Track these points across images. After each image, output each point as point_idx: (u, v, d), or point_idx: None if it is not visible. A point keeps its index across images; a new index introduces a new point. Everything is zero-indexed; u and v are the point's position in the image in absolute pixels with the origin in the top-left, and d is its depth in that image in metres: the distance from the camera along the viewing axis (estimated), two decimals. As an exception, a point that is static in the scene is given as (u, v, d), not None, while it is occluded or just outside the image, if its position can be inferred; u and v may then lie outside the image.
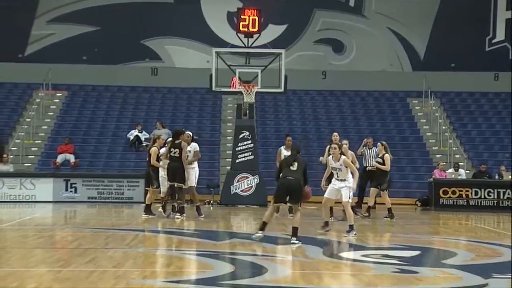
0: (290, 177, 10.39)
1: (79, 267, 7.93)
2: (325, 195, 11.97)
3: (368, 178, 17.24)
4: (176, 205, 14.29)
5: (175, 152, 14.10)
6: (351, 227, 11.55)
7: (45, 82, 25.82)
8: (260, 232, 10.54)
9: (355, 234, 11.41)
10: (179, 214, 14.09)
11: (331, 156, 11.88)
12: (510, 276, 7.67)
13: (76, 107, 26.38)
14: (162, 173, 14.66)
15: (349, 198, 11.77)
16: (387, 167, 15.36)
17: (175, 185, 14.15)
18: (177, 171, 14.07)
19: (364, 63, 27.85)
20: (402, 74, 28.00)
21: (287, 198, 10.46)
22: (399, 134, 25.04)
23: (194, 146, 14.97)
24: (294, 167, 10.46)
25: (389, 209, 15.31)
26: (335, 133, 16.12)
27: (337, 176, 11.81)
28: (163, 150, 14.72)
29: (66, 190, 19.99)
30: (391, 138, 23.21)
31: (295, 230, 10.38)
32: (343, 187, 11.73)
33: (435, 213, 18.42)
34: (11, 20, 27.59)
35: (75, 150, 22.93)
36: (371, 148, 17.90)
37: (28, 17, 27.90)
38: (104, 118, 25.70)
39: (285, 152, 15.14)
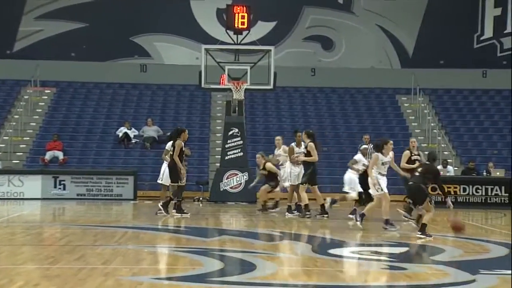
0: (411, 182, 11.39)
1: (67, 264, 7.92)
2: (386, 191, 12.24)
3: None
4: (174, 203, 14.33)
5: (172, 151, 14.12)
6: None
7: (34, 79, 25.72)
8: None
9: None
10: (175, 211, 14.15)
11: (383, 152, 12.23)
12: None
13: (65, 104, 26.29)
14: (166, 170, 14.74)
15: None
16: (314, 157, 14.17)
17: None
18: (172, 169, 14.07)
19: (353, 60, 27.89)
20: (391, 71, 28.07)
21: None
22: (388, 131, 25.09)
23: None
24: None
25: (321, 206, 14.38)
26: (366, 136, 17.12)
27: (385, 171, 12.36)
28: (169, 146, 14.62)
29: (55, 187, 19.93)
30: (380, 135, 23.21)
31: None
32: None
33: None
34: (-1, 16, 27.47)
35: (63, 147, 22.86)
36: (368, 145, 18.27)
37: (16, 13, 27.75)
38: (93, 115, 25.63)
39: (296, 150, 14.74)
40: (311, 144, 14.10)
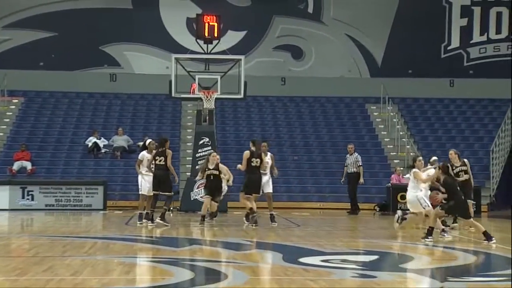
0: None
1: (36, 276, 7.82)
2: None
3: (350, 182, 19.37)
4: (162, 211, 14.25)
5: (160, 160, 14.05)
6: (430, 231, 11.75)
7: (1, 88, 25.41)
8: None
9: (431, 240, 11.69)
10: (162, 221, 14.10)
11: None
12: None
13: (33, 114, 26.01)
14: (142, 181, 14.58)
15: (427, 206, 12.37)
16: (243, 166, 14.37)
17: (159, 194, 14.18)
18: (162, 179, 14.04)
19: (323, 70, 28.06)
20: (360, 80, 28.30)
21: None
22: (357, 140, 25.25)
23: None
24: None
25: (246, 214, 14.51)
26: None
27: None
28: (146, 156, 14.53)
29: (23, 197, 19.69)
30: (350, 143, 23.41)
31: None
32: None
33: (394, 217, 18.63)
34: (-34, 25, 27.12)
35: (32, 157, 22.60)
36: (352, 154, 19.17)
37: (-17, 22, 27.45)
38: (61, 125, 25.39)
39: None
40: (246, 152, 14.35)
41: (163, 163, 14.03)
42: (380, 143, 25.26)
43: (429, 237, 11.53)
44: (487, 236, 11.31)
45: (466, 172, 13.97)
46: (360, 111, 27.28)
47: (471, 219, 11.80)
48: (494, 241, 11.22)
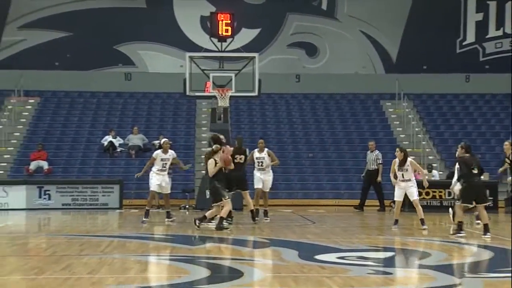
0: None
1: (53, 274, 7.88)
2: (397, 198, 13.59)
3: (367, 180, 19.32)
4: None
5: (240, 159, 14.70)
6: (422, 221, 13.15)
7: (17, 89, 25.58)
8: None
9: (425, 228, 12.66)
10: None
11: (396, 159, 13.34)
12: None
13: (49, 114, 26.17)
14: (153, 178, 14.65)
15: (417, 196, 13.47)
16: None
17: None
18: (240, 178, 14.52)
19: (338, 66, 27.99)
20: (375, 76, 28.20)
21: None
22: (372, 136, 25.16)
23: (172, 153, 14.93)
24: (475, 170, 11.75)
25: (251, 211, 14.62)
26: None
27: (403, 177, 13.28)
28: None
29: (40, 197, 19.81)
30: (365, 140, 23.35)
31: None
32: (410, 186, 13.31)
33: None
34: (-18, 26, 27.33)
35: (48, 156, 22.74)
36: (373, 151, 19.12)
37: (-2, 23, 27.65)
38: (77, 124, 25.52)
39: (257, 155, 15.19)
40: (229, 149, 14.29)
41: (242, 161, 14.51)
42: (395, 140, 25.15)
43: (461, 232, 11.60)
44: (460, 227, 11.70)
45: None
46: (375, 108, 27.20)
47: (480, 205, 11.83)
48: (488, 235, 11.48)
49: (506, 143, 14.66)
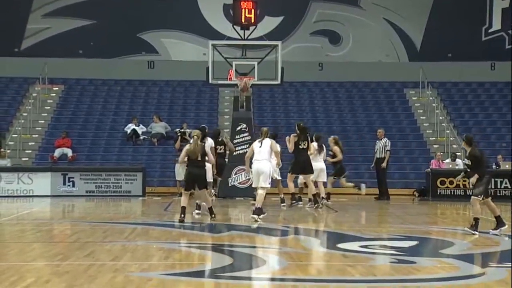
0: None
1: (77, 261, 7.95)
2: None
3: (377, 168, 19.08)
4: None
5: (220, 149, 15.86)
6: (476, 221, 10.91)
7: (42, 76, 25.78)
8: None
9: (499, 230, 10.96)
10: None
11: None
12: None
13: (73, 101, 26.36)
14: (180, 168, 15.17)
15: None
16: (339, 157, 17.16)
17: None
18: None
19: (361, 54, 27.83)
20: (398, 64, 27.98)
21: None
22: (396, 125, 25.05)
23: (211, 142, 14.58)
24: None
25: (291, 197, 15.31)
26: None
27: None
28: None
29: (64, 184, 19.99)
30: (389, 129, 23.23)
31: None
32: None
33: (433, 203, 18.48)
34: (7, 14, 27.55)
35: (72, 144, 22.93)
36: (381, 139, 18.92)
37: (23, 11, 27.83)
38: (101, 112, 25.68)
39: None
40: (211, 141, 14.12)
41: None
42: (419, 128, 24.98)
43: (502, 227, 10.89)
44: (476, 224, 10.69)
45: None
46: (399, 96, 27.00)
47: (488, 199, 11.09)
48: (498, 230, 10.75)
49: None
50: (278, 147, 13.52)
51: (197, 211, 13.80)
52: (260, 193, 12.66)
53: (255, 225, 11.85)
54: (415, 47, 28.26)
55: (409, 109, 26.24)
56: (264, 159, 12.84)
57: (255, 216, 12.31)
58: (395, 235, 10.98)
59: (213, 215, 12.61)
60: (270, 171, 12.90)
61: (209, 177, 13.43)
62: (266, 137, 13.07)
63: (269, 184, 13.01)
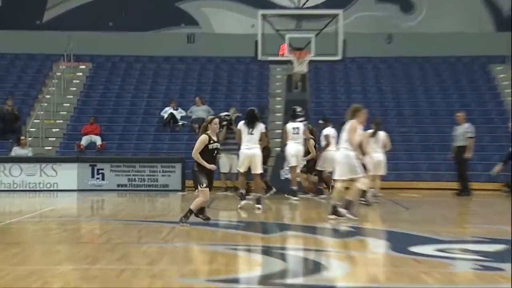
0: None
1: (109, 265, 8.08)
2: None
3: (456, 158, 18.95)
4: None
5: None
6: None
7: (66, 53, 26.21)
8: None
9: None
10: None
11: None
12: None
13: (102, 81, 26.74)
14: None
15: None
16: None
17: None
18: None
19: (437, 24, 27.55)
20: (482, 35, 27.61)
21: None
22: (479, 108, 24.73)
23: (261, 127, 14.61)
24: None
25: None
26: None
27: None
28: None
29: (92, 176, 20.33)
30: (470, 112, 22.94)
31: None
32: None
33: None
34: (26, -18, 28.06)
35: (101, 130, 23.27)
36: (462, 125, 18.65)
37: (45, -22, 28.33)
38: (134, 94, 26.00)
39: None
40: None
41: None
42: (506, 111, 24.61)
43: None
44: None
45: None
46: (483, 73, 26.68)
47: None
48: None
49: None
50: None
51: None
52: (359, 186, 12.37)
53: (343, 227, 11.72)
54: (503, 14, 27.82)
55: (495, 88, 25.90)
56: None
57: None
58: (479, 237, 10.86)
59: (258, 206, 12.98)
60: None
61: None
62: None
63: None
